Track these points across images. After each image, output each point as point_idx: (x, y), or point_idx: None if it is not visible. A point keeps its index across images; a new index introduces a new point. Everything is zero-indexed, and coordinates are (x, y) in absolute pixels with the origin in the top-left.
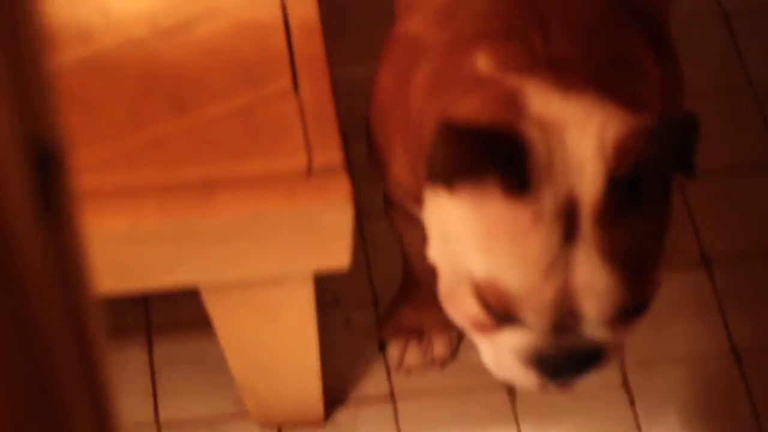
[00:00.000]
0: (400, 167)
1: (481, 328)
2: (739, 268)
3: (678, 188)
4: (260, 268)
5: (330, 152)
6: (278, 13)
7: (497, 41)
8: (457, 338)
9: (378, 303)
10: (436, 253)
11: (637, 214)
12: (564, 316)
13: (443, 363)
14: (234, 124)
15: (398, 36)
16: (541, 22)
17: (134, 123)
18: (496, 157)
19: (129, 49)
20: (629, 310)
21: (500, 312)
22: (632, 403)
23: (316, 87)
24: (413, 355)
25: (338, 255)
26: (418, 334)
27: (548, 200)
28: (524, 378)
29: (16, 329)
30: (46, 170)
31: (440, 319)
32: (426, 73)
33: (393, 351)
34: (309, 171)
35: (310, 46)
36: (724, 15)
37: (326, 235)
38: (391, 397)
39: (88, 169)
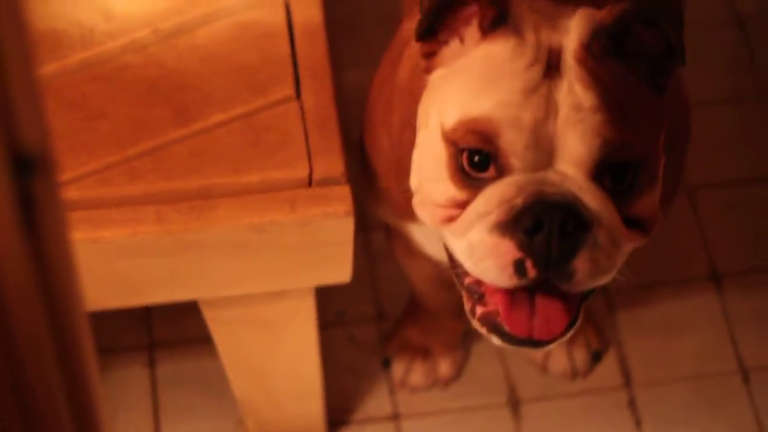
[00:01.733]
0: (388, 177)
1: (451, 218)
2: (748, 284)
3: (688, 202)
4: (260, 282)
5: (331, 163)
6: (282, 15)
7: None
8: (463, 358)
9: (383, 318)
10: (417, 163)
11: (619, 63)
12: (543, 164)
13: (448, 383)
14: (235, 133)
15: (394, 41)
16: None
17: (135, 131)
18: None
19: (131, 52)
20: (615, 163)
21: (476, 157)
22: (638, 423)
23: (319, 94)
24: (418, 374)
25: (340, 268)
26: (424, 354)
27: (530, 37)
28: (500, 256)
29: None
30: (31, 179)
31: (446, 339)
32: (409, 63)
33: (397, 369)
34: (310, 181)
35: (314, 51)
36: (737, 20)
37: (327, 247)
38: (395, 416)
39: (87, 178)
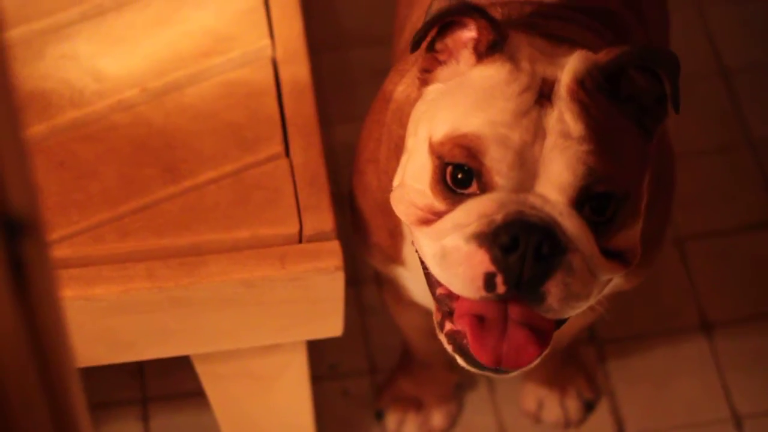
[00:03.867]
0: (375, 215)
1: (427, 221)
2: (739, 332)
3: (677, 252)
4: (252, 336)
5: (321, 219)
6: (270, 74)
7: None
8: (456, 409)
9: (375, 371)
10: (403, 168)
11: (610, 101)
12: (525, 187)
13: None
14: (225, 190)
15: (381, 93)
16: None
17: (125, 189)
18: (475, 13)
19: (121, 112)
20: (597, 194)
21: (459, 174)
22: None
23: (307, 151)
24: (411, 426)
25: (331, 322)
26: (417, 405)
27: (525, 65)
28: (472, 267)
29: None
30: (20, 242)
31: (439, 390)
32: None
33: (391, 421)
34: (300, 238)
35: (302, 108)
36: (723, 72)
37: (318, 302)
38: None
39: (79, 236)
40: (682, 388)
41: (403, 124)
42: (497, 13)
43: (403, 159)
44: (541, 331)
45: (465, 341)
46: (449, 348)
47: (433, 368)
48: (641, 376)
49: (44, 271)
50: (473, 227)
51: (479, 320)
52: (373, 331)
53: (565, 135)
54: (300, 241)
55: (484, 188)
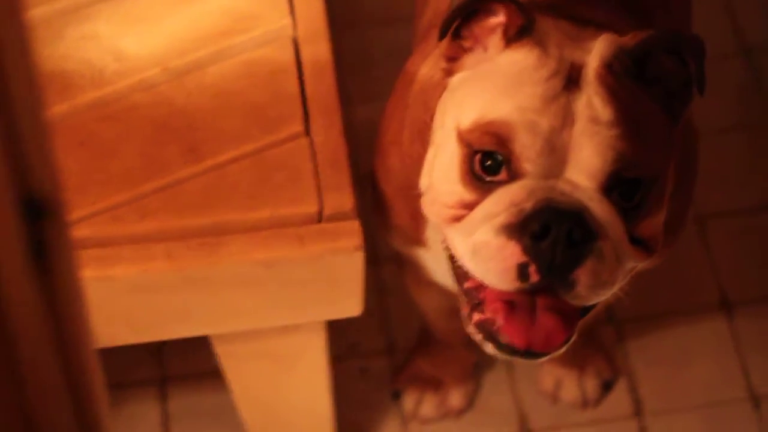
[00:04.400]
0: (397, 198)
1: (458, 217)
2: (759, 311)
3: (697, 231)
4: (271, 317)
5: (341, 198)
6: (291, 52)
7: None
8: (474, 389)
9: (394, 351)
10: (430, 163)
11: (638, 85)
12: (555, 173)
13: (459, 414)
14: (245, 170)
15: (403, 74)
16: None
17: (146, 169)
18: (514, 5)
19: (141, 91)
20: (626, 179)
21: (489, 161)
22: None
23: (328, 131)
24: (429, 405)
25: (350, 302)
26: (435, 385)
27: (553, 50)
28: (504, 259)
29: (8, 391)
30: (42, 225)
31: (457, 370)
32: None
33: (408, 401)
34: (320, 217)
35: (323, 87)
36: (745, 51)
37: (338, 282)
38: None
39: (98, 216)
40: (700, 368)
41: (427, 108)
42: None
43: (430, 154)
44: (569, 317)
45: (495, 328)
46: (479, 338)
47: (452, 348)
48: (660, 356)
49: (65, 252)
50: (502, 218)
51: (510, 305)
52: (392, 310)
53: (594, 120)
54: (320, 221)
55: (514, 175)
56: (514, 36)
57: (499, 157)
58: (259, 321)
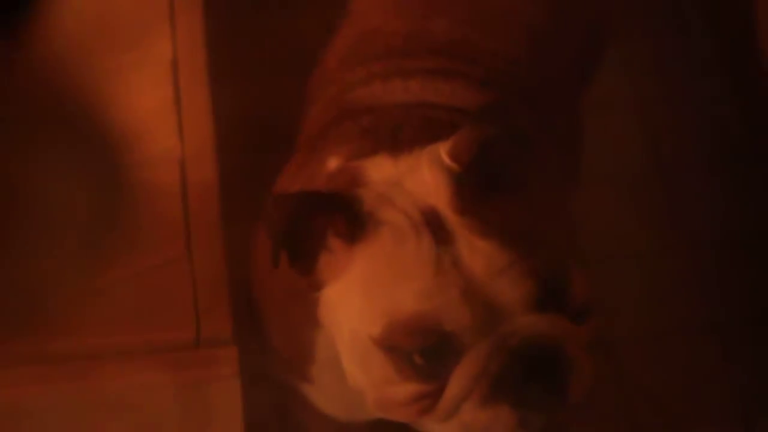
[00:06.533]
0: (279, 330)
1: (427, 408)
2: None
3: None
4: None
5: (219, 323)
6: (176, 175)
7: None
8: None
9: None
10: (351, 369)
11: (495, 196)
12: (493, 323)
13: None
14: (123, 292)
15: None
16: None
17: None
18: (330, 205)
19: None
20: (552, 291)
21: (431, 352)
22: None
23: (209, 253)
24: None
25: (229, 429)
26: None
27: (397, 217)
28: (503, 427)
29: None
30: None
31: None
32: None
33: None
34: (197, 343)
35: (207, 210)
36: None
37: (215, 408)
38: None
39: None
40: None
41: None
42: (366, 122)
43: (345, 362)
44: None
45: None
46: None
47: None
48: None
49: None
50: (478, 392)
51: None
52: None
53: (489, 263)
54: (197, 346)
55: (460, 350)
56: (350, 237)
57: (439, 344)
58: None
